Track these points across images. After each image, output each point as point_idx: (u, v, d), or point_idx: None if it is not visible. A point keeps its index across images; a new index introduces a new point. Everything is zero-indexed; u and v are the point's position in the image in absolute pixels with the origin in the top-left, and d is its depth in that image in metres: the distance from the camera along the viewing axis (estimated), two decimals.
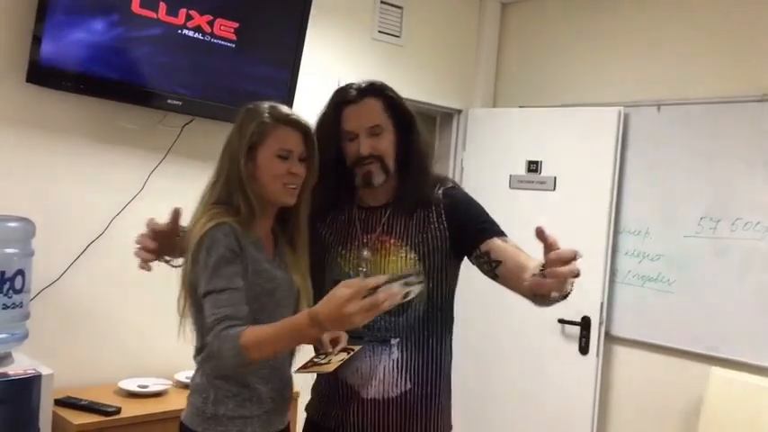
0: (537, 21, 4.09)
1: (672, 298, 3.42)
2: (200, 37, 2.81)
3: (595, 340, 3.56)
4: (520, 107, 4.03)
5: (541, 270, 1.46)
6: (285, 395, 1.73)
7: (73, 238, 2.69)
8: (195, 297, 1.61)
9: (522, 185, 3.83)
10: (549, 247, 1.42)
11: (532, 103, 3.99)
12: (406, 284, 1.41)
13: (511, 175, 3.87)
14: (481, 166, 4.01)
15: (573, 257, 1.42)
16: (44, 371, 2.15)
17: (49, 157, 2.64)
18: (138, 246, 1.79)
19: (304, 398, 2.02)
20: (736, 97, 3.26)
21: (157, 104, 2.78)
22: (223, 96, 2.92)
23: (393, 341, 1.79)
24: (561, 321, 3.63)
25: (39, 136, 2.62)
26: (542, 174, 3.78)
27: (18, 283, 2.23)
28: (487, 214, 1.86)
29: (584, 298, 3.58)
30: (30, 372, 2.13)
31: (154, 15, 2.67)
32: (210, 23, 2.82)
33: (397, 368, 1.80)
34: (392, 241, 1.81)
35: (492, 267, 1.74)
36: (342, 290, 1.37)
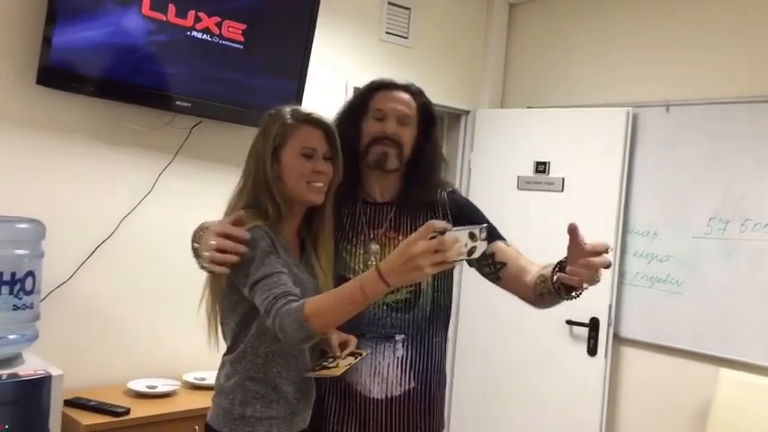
0: (545, 21, 4.08)
1: (681, 299, 3.41)
2: (209, 39, 2.81)
3: (604, 341, 3.55)
4: (528, 108, 4.03)
5: (558, 267, 1.57)
6: (309, 395, 1.75)
7: (82, 240, 2.70)
8: (232, 298, 1.63)
9: (529, 186, 3.82)
10: (578, 242, 1.53)
11: (540, 104, 3.98)
12: (471, 237, 1.37)
13: (519, 176, 3.87)
14: (489, 167, 4.00)
15: (605, 250, 1.53)
16: (54, 371, 2.16)
17: (58, 159, 2.65)
18: (229, 251, 1.58)
19: None
20: (746, 97, 3.25)
21: (166, 106, 2.79)
22: (231, 98, 2.94)
23: (398, 337, 1.80)
24: (569, 323, 3.62)
25: (49, 137, 2.63)
26: (550, 175, 3.77)
27: (28, 284, 2.24)
28: (488, 219, 1.91)
29: (593, 299, 3.55)
30: (40, 372, 2.14)
31: (163, 18, 2.68)
32: (219, 25, 2.83)
33: (401, 366, 1.81)
34: (400, 238, 1.82)
35: (495, 269, 1.80)
36: (407, 239, 1.36)
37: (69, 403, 2.44)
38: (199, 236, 1.67)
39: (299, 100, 3.06)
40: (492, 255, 1.80)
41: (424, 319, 1.83)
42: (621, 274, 3.60)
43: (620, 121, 3.58)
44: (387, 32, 3.67)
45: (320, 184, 1.68)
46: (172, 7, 2.70)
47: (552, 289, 1.65)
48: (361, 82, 3.47)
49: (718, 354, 3.25)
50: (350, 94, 3.46)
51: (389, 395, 1.80)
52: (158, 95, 2.76)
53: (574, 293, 1.59)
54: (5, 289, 2.17)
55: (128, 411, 2.46)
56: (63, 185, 2.66)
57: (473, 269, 1.90)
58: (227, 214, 1.69)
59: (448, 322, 1.95)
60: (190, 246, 1.73)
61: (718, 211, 3.31)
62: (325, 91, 3.31)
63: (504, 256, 1.80)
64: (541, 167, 3.80)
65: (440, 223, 1.34)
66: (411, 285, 1.80)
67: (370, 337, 1.79)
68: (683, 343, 3.38)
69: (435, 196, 1.89)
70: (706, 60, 3.42)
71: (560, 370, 3.65)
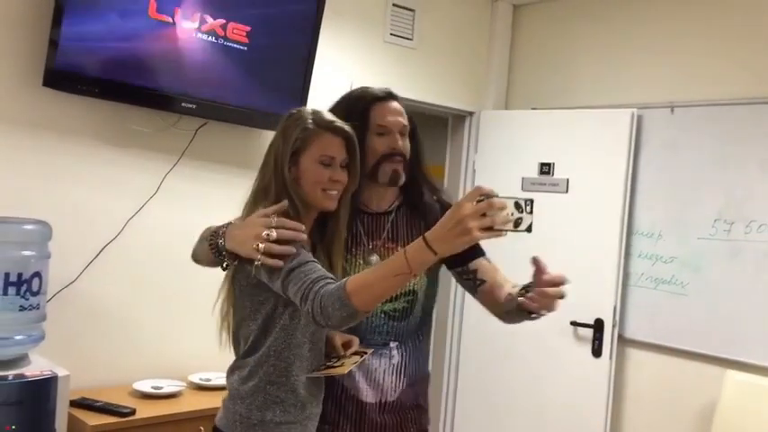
0: (549, 23, 4.08)
1: (685, 300, 3.40)
2: (214, 41, 2.82)
3: (608, 343, 3.54)
4: (532, 109, 4.03)
5: (524, 290, 1.65)
6: (320, 400, 1.75)
7: (89, 241, 2.72)
8: (256, 299, 1.62)
9: (534, 187, 3.82)
10: (541, 271, 1.58)
11: (545, 105, 3.98)
12: (517, 208, 1.37)
13: (523, 178, 3.87)
14: (493, 169, 4.00)
15: (562, 282, 1.58)
16: (60, 372, 2.17)
17: (65, 160, 2.67)
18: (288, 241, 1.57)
19: None
20: (751, 99, 3.24)
21: (172, 108, 2.80)
22: (237, 99, 2.95)
23: (392, 344, 1.83)
24: (574, 324, 3.62)
25: (55, 139, 2.64)
26: (555, 176, 3.77)
27: (35, 285, 2.25)
28: None
29: (597, 300, 3.57)
30: (46, 373, 2.15)
31: (169, 20, 2.70)
32: (224, 27, 2.84)
33: (396, 372, 1.85)
34: (398, 249, 1.81)
35: (476, 285, 1.84)
36: (456, 203, 1.36)
37: (75, 404, 2.45)
38: (222, 232, 1.64)
39: (303, 101, 3.07)
40: (475, 271, 1.85)
41: (415, 325, 1.88)
42: (626, 276, 3.59)
43: (624, 123, 3.58)
44: (391, 34, 3.68)
45: (335, 192, 1.68)
46: (178, 10, 2.71)
47: (516, 309, 1.70)
48: (366, 83, 3.49)
49: (723, 355, 3.25)
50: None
51: (384, 400, 1.83)
52: (164, 97, 2.77)
53: (534, 315, 1.66)
54: (12, 290, 2.19)
55: (133, 412, 2.47)
56: (69, 187, 2.68)
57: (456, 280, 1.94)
58: (245, 210, 1.68)
59: (432, 325, 2.00)
60: (200, 245, 1.71)
61: (722, 213, 3.31)
62: (330, 92, 3.30)
63: (486, 275, 1.84)
64: (546, 169, 3.80)
65: (487, 186, 1.35)
66: (409, 294, 1.83)
67: (367, 345, 1.82)
68: (688, 344, 3.37)
69: (431, 203, 1.90)
70: (710, 62, 3.41)
71: (565, 371, 3.65)
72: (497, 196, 1.35)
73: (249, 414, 1.63)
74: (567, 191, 3.72)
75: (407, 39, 3.74)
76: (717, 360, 3.27)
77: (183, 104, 2.80)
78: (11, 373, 2.11)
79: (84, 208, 2.71)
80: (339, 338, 1.75)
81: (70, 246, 2.61)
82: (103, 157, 2.75)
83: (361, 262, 1.83)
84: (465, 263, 1.84)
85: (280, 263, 1.52)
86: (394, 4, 3.67)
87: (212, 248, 1.65)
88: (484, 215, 1.33)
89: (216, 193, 3.01)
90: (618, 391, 3.60)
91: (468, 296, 1.94)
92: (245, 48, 2.91)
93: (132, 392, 2.68)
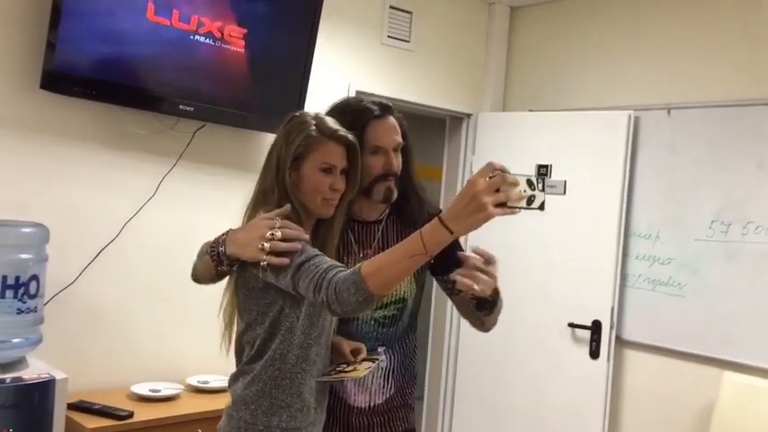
0: (546, 25, 4.09)
1: (683, 302, 3.41)
2: (212, 43, 2.83)
3: (606, 344, 3.55)
4: (529, 111, 4.03)
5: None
6: (324, 406, 1.75)
7: (86, 243, 2.71)
8: (262, 302, 1.62)
9: None
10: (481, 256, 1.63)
11: (542, 107, 3.99)
12: (529, 185, 1.36)
13: None
14: None
15: (488, 258, 1.62)
16: (58, 375, 2.17)
17: (62, 163, 2.66)
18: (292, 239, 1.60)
19: None
20: (747, 100, 3.25)
21: (169, 110, 2.80)
22: (234, 102, 2.95)
23: (380, 349, 1.85)
24: (572, 325, 3.62)
25: (52, 142, 2.64)
26: (552, 177, 3.77)
27: (32, 288, 2.24)
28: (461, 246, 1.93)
29: (595, 302, 3.58)
30: (44, 376, 2.14)
31: (167, 22, 2.70)
32: (221, 30, 2.84)
33: (384, 377, 1.87)
34: None
35: (454, 293, 1.84)
36: (469, 179, 1.36)
37: (73, 407, 2.45)
38: (222, 240, 1.64)
39: (301, 104, 3.07)
40: (454, 282, 1.82)
41: (403, 329, 1.90)
42: (623, 277, 3.60)
43: (621, 124, 3.58)
44: (389, 36, 3.68)
45: (333, 200, 1.69)
46: (175, 12, 2.71)
47: (470, 308, 1.78)
48: (364, 85, 3.54)
49: (721, 356, 3.25)
50: None
51: (372, 403, 1.85)
52: (162, 100, 2.77)
53: (477, 302, 1.72)
54: (10, 293, 2.18)
55: (131, 415, 2.47)
56: (67, 189, 2.67)
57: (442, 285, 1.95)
58: (247, 213, 1.68)
59: (416, 324, 2.00)
60: (200, 261, 1.71)
61: (719, 214, 3.32)
62: (328, 95, 3.31)
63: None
64: (543, 170, 3.80)
65: (499, 163, 1.34)
66: (399, 302, 1.84)
67: (375, 352, 1.83)
68: (686, 346, 3.38)
69: (421, 213, 1.89)
70: (707, 63, 3.42)
71: (563, 373, 3.65)
72: (509, 173, 1.34)
73: (255, 420, 1.62)
74: (564, 192, 3.72)
75: (405, 41, 3.75)
76: (714, 361, 3.27)
77: (180, 107, 2.80)
78: (8, 376, 2.10)
79: (81, 210, 2.71)
80: (347, 346, 1.75)
81: (68, 248, 2.61)
82: (101, 160, 2.75)
83: None
84: (448, 272, 1.82)
85: (286, 260, 1.52)
86: (391, 7, 3.67)
87: (213, 258, 1.64)
88: (497, 191, 1.32)
89: (214, 195, 3.01)
90: (616, 393, 3.60)
91: None
92: (243, 50, 2.91)
93: (130, 395, 2.68)
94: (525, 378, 3.77)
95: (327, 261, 1.52)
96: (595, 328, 3.57)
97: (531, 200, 1.36)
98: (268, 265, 1.53)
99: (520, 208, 1.35)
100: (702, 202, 3.37)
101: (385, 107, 1.83)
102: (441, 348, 4.16)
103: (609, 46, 3.80)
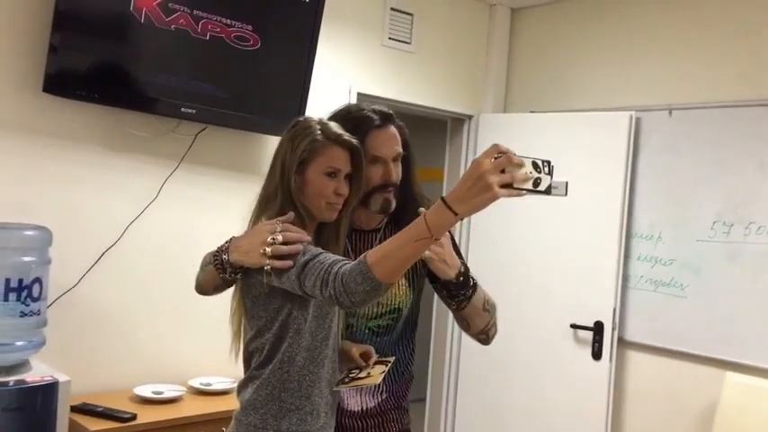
0: (547, 26, 4.09)
1: (685, 303, 3.40)
2: (213, 46, 2.83)
3: (608, 345, 3.55)
4: (531, 112, 4.04)
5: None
6: (334, 409, 1.75)
7: (89, 246, 2.72)
8: (270, 307, 1.62)
9: None
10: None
11: (543, 109, 3.99)
12: (535, 168, 1.35)
13: None
14: None
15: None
16: (61, 378, 2.17)
17: (65, 166, 2.67)
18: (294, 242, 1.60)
19: None
20: (749, 101, 3.25)
21: (171, 113, 2.81)
22: (236, 104, 2.95)
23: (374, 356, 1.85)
24: (574, 326, 3.62)
25: (55, 145, 2.65)
26: (554, 179, 3.76)
27: (35, 290, 2.25)
28: (460, 251, 1.91)
29: (597, 303, 3.58)
30: (47, 379, 2.15)
31: (168, 25, 2.70)
32: (223, 32, 2.84)
33: None
34: None
35: (452, 305, 1.83)
36: (473, 160, 1.35)
37: (76, 409, 2.45)
38: (225, 248, 1.64)
39: (302, 106, 3.08)
40: (449, 289, 1.83)
41: (398, 337, 1.89)
42: (625, 278, 3.60)
43: (623, 125, 3.58)
44: (389, 38, 3.68)
45: (337, 205, 1.69)
46: (177, 15, 2.71)
47: (459, 316, 1.83)
48: (365, 87, 3.54)
49: (723, 357, 3.25)
50: (353, 100, 3.48)
51: (365, 407, 1.86)
52: (163, 102, 2.77)
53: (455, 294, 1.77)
54: (13, 296, 2.19)
55: (134, 417, 2.47)
56: (69, 192, 2.68)
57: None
58: (252, 218, 1.69)
59: (416, 329, 1.99)
60: (203, 271, 1.71)
61: (721, 215, 3.31)
62: (329, 96, 3.33)
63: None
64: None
65: (504, 145, 1.32)
66: (394, 312, 1.83)
67: (385, 354, 1.83)
68: (688, 346, 3.38)
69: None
70: (709, 64, 3.42)
71: (565, 374, 3.65)
72: (515, 154, 1.32)
73: (264, 424, 1.61)
74: (566, 193, 3.72)
75: (406, 42, 3.75)
76: (717, 362, 3.27)
77: (182, 109, 2.81)
78: (12, 378, 2.11)
79: (84, 213, 2.71)
80: (356, 350, 1.75)
81: (70, 251, 2.61)
82: (103, 163, 2.76)
83: None
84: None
85: (289, 263, 1.52)
86: (392, 8, 3.68)
87: (217, 267, 1.64)
88: (503, 171, 1.30)
89: (215, 197, 3.02)
90: (618, 394, 3.60)
91: None
92: (245, 52, 2.92)
93: (133, 397, 2.68)
94: (527, 379, 3.77)
95: (331, 257, 1.52)
96: (597, 329, 3.57)
97: (537, 182, 1.34)
98: (272, 269, 1.54)
99: (526, 190, 1.33)
100: (704, 203, 3.36)
101: (386, 116, 1.82)
102: (443, 349, 4.16)
103: (610, 47, 3.80)
